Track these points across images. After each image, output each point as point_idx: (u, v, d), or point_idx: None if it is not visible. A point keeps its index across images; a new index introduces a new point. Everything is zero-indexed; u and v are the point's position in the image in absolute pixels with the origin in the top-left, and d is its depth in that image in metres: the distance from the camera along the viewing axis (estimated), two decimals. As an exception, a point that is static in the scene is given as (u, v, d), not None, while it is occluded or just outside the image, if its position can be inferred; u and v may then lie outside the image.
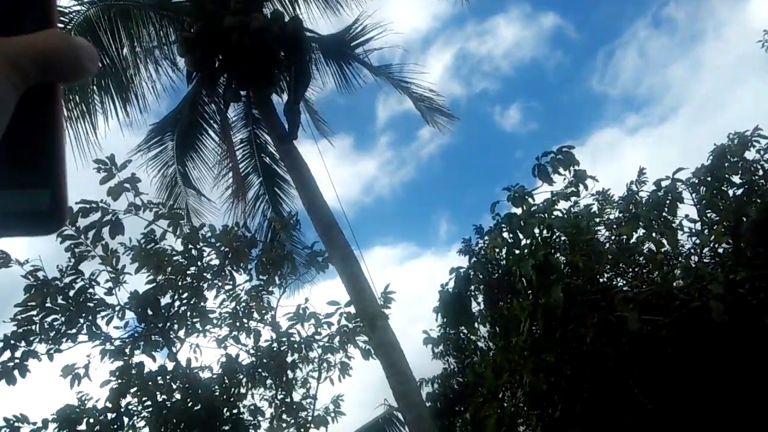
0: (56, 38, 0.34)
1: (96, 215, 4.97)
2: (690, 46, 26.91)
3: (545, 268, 5.25)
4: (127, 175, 5.01)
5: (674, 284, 5.50)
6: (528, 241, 6.16)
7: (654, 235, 5.74)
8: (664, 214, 5.92)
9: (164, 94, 9.28)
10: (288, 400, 5.73)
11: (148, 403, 5.04)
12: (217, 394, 5.37)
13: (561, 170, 6.68)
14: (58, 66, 0.34)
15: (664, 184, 5.99)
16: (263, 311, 6.03)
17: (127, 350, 5.32)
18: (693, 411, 4.84)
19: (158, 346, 5.48)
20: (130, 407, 5.05)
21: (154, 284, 5.48)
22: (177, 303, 5.64)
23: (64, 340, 4.96)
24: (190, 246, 5.48)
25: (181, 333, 5.61)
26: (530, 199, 7.00)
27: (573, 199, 6.83)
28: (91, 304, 5.11)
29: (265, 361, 5.62)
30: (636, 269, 6.69)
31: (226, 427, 5.22)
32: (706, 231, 6.07)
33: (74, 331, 5.00)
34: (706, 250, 6.34)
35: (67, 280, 5.06)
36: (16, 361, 4.68)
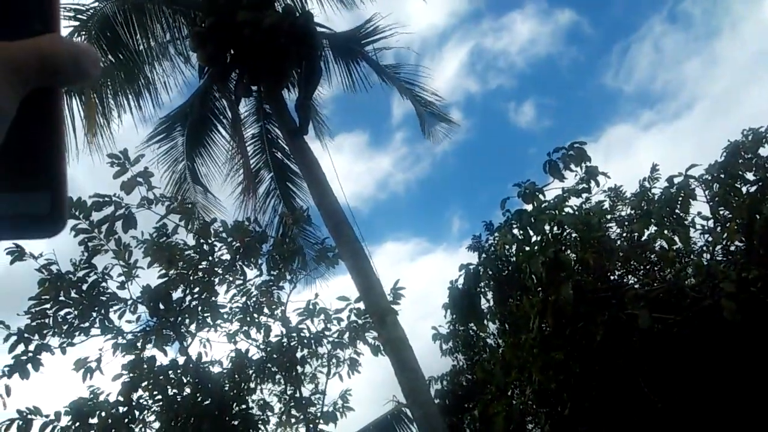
0: (58, 42, 0.34)
1: (109, 209, 5.02)
2: (706, 42, 26.57)
3: (555, 265, 5.22)
4: (140, 169, 5.05)
5: (686, 282, 5.46)
6: (538, 238, 6.13)
7: (666, 232, 5.69)
8: (676, 211, 5.86)
9: (177, 90, 9.35)
10: (297, 395, 5.76)
11: (159, 397, 5.09)
12: (226, 388, 5.41)
13: (572, 166, 6.63)
14: (59, 70, 0.34)
15: (676, 180, 5.93)
16: (273, 306, 6.06)
17: (138, 344, 5.37)
18: (703, 410, 4.81)
19: (169, 340, 5.53)
20: (141, 401, 5.10)
21: (166, 278, 5.52)
22: (188, 297, 5.68)
23: (76, 333, 5.02)
24: (201, 241, 5.52)
25: (192, 327, 5.66)
26: (541, 196, 6.96)
27: (584, 195, 6.79)
28: (104, 298, 5.17)
29: (274, 356, 5.66)
30: (647, 267, 6.64)
31: (236, 422, 5.27)
32: (718, 228, 6.00)
33: (87, 324, 5.06)
34: (718, 247, 6.28)
35: (80, 273, 5.12)
36: (30, 354, 4.74)
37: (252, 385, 5.68)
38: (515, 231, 6.70)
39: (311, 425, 5.59)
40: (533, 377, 5.37)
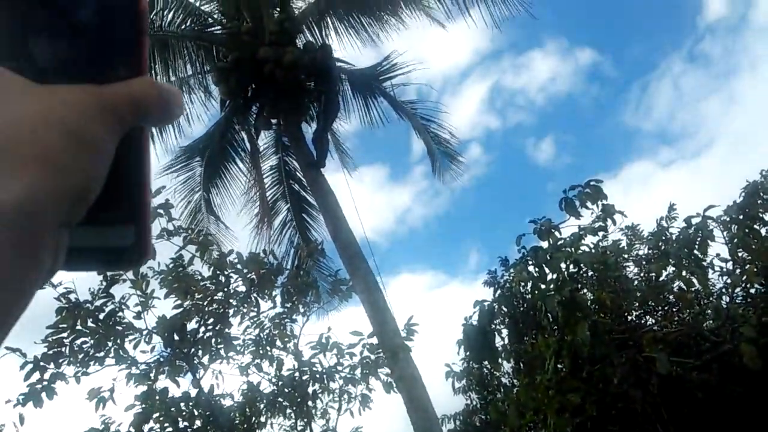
0: (149, 85, 0.37)
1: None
2: (725, 81, 26.65)
3: (571, 305, 5.18)
4: (161, 200, 5.14)
5: (705, 325, 5.37)
6: (554, 276, 6.08)
7: (684, 273, 5.63)
8: (694, 252, 5.80)
9: (199, 121, 9.56)
10: (307, 430, 5.70)
11: (170, 429, 5.07)
12: (237, 422, 5.37)
13: (588, 204, 6.62)
14: (151, 112, 0.37)
15: (694, 221, 5.88)
16: (286, 339, 6.05)
17: (152, 375, 5.37)
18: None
19: (182, 371, 5.53)
20: (152, 432, 5.08)
21: (182, 309, 5.56)
22: (202, 329, 5.70)
23: (92, 363, 5.05)
24: (217, 272, 5.56)
25: (205, 359, 5.66)
26: (556, 233, 6.94)
27: (601, 234, 6.75)
28: (120, 328, 5.20)
29: (286, 390, 5.63)
30: (665, 308, 6.54)
31: (246, 456, 5.22)
32: (737, 271, 5.91)
33: (102, 354, 5.09)
34: (737, 290, 6.18)
35: (98, 303, 5.17)
36: (45, 383, 4.76)
37: (263, 419, 5.64)
38: (531, 268, 6.65)
39: (321, 462, 5.51)
40: (548, 420, 5.27)
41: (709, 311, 5.77)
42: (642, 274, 7.09)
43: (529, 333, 6.33)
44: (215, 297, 5.52)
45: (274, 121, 9.56)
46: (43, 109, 0.33)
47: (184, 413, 5.15)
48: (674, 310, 6.40)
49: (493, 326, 6.46)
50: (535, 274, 6.34)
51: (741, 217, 6.14)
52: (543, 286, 5.95)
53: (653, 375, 4.74)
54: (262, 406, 5.59)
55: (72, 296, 5.07)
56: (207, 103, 9.56)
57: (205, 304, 5.57)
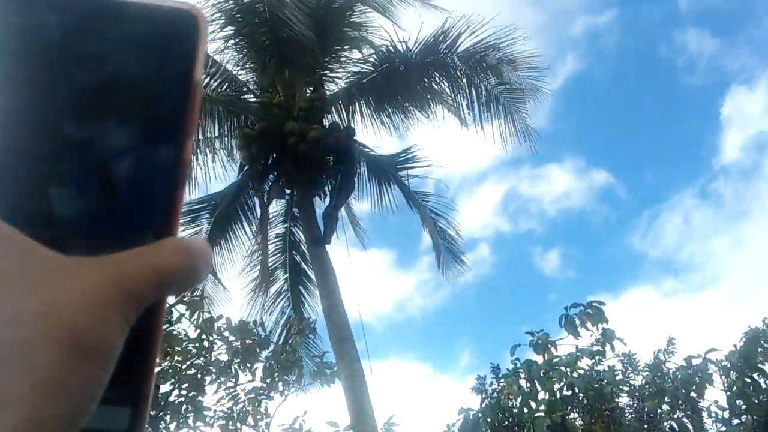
0: (175, 252, 0.30)
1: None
2: (734, 222, 27.24)
3: (561, 431, 4.97)
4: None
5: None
6: (546, 396, 5.89)
7: (679, 414, 5.44)
8: (691, 394, 5.64)
9: (215, 179, 9.70)
10: None
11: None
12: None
13: (589, 325, 6.52)
14: (176, 283, 0.30)
15: (695, 362, 5.76)
16: (259, 417, 5.80)
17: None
18: None
19: (146, 433, 5.28)
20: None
21: (158, 369, 5.38)
22: (175, 392, 5.49)
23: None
24: (203, 336, 5.43)
25: (172, 426, 5.41)
26: (553, 349, 6.78)
27: (598, 357, 6.60)
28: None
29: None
30: (656, 448, 6.26)
31: None
32: (734, 422, 5.70)
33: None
34: (734, 442, 5.93)
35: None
36: None
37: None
38: (522, 382, 6.46)
39: None
40: None
41: (702, 460, 5.53)
42: (635, 406, 6.84)
43: (512, 451, 6.05)
44: (195, 361, 5.35)
45: (288, 191, 9.69)
46: (42, 306, 0.26)
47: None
48: (665, 451, 6.12)
49: (476, 438, 6.19)
50: (526, 389, 6.16)
51: (740, 364, 6.01)
52: (533, 405, 5.76)
53: None
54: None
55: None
56: (227, 165, 9.76)
57: (183, 367, 5.40)
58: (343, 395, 7.08)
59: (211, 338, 5.41)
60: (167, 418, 5.47)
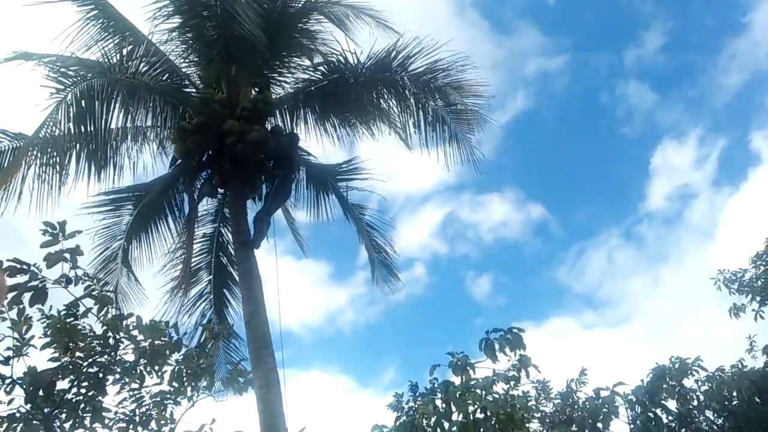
0: None
1: (23, 277, 4.65)
2: (654, 264, 29.09)
3: (469, 453, 5.00)
4: (72, 245, 4.77)
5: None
6: (459, 417, 5.93)
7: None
8: (598, 424, 5.81)
9: (143, 171, 9.26)
10: None
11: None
12: None
13: (507, 351, 6.62)
14: None
15: (603, 393, 5.95)
16: (163, 422, 5.51)
17: (1, 430, 4.75)
18: None
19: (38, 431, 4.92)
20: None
21: (57, 364, 5.02)
22: (74, 390, 5.14)
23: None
24: (109, 333, 5.11)
25: (67, 425, 5.06)
26: (471, 371, 6.84)
27: (513, 383, 6.71)
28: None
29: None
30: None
31: None
32: (635, 454, 5.93)
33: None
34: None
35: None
36: None
37: None
38: (438, 402, 6.47)
39: None
40: None
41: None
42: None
43: (421, 472, 6.03)
44: (98, 359, 5.03)
45: (221, 191, 9.39)
46: None
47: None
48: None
49: (387, 457, 6.14)
50: (441, 410, 6.17)
51: (645, 399, 6.27)
52: (446, 425, 5.77)
53: None
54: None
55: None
56: (157, 157, 9.34)
57: (85, 364, 5.06)
58: (256, 404, 6.86)
59: (117, 336, 5.10)
60: (62, 416, 5.12)
